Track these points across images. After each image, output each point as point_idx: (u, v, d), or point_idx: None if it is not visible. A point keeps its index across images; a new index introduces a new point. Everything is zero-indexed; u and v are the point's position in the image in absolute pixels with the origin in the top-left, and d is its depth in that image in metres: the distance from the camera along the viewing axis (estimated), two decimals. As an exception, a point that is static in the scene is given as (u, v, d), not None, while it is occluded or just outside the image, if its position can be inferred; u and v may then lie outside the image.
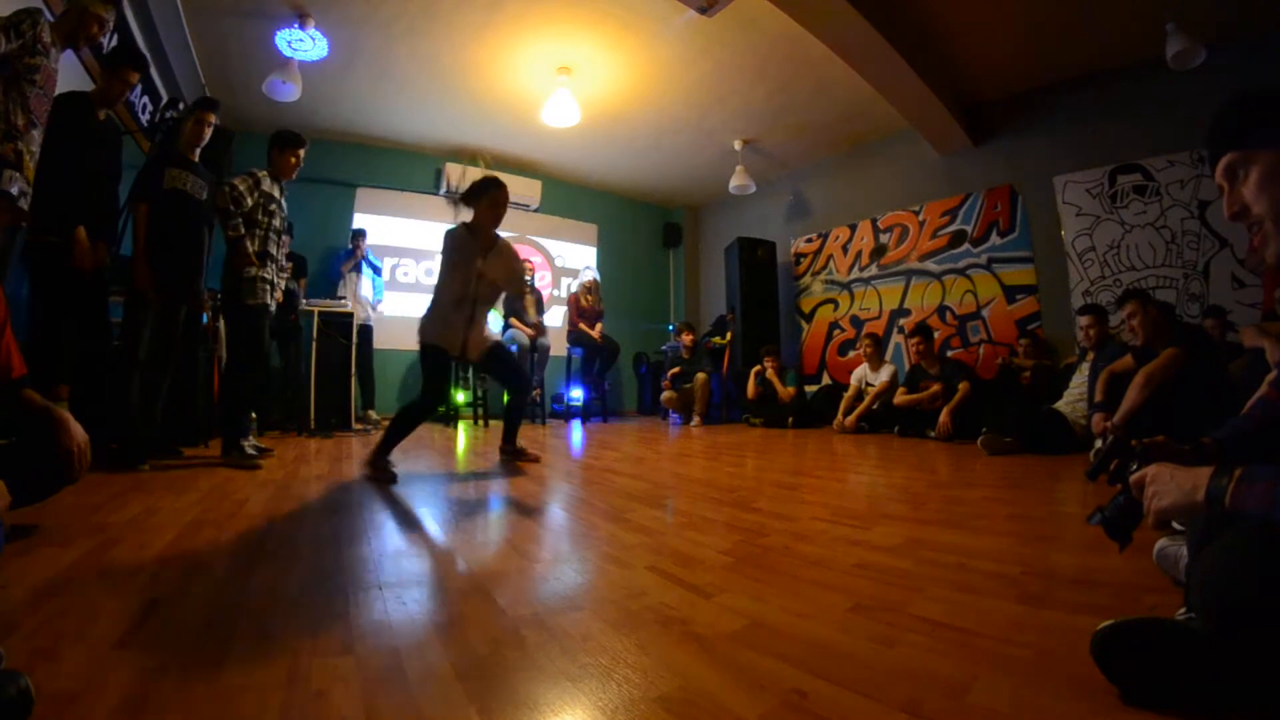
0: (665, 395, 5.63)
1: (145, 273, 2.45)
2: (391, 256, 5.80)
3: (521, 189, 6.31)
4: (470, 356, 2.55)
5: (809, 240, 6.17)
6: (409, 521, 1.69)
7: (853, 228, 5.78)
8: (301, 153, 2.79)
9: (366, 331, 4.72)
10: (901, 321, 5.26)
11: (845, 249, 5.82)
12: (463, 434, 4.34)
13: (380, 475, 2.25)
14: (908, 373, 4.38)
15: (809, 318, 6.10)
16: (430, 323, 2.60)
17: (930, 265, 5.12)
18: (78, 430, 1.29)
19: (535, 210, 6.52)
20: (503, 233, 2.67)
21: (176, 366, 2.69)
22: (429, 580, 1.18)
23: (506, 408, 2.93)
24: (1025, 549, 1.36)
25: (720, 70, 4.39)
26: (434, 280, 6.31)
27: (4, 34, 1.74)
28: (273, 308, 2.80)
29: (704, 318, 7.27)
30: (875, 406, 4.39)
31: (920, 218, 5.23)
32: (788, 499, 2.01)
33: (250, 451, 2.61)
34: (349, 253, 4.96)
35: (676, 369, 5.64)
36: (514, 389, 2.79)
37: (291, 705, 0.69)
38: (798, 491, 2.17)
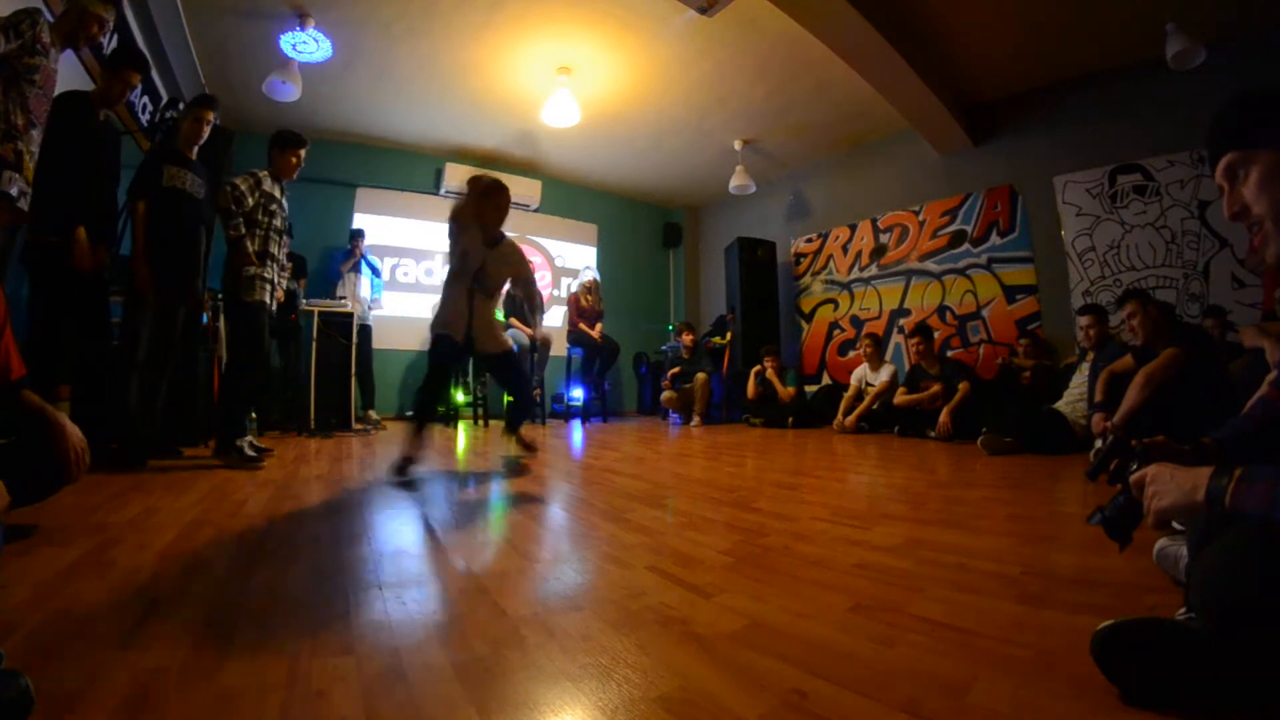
0: (665, 395, 5.63)
1: (145, 273, 2.44)
2: (391, 256, 5.80)
3: (521, 189, 6.31)
4: (478, 346, 2.52)
5: (809, 240, 6.17)
6: (409, 521, 1.69)
7: (853, 228, 5.78)
8: (302, 153, 2.79)
9: (365, 331, 4.72)
10: (901, 321, 5.26)
11: (845, 249, 5.82)
12: (463, 434, 4.34)
13: (401, 478, 2.26)
14: (908, 373, 4.38)
15: (809, 318, 6.10)
16: (437, 309, 2.60)
17: (930, 265, 5.12)
18: (74, 434, 1.29)
19: (535, 210, 6.52)
20: (503, 232, 2.67)
21: (176, 366, 2.68)
22: (429, 580, 1.18)
23: (507, 406, 2.93)
24: (1025, 549, 1.36)
25: (720, 70, 4.39)
26: (434, 280, 6.32)
27: (3, 34, 1.74)
28: (273, 307, 2.79)
29: (704, 318, 7.27)
30: (875, 406, 4.39)
31: (920, 218, 5.23)
32: (788, 499, 2.01)
33: (250, 453, 2.58)
34: (347, 253, 4.96)
35: (676, 369, 5.65)
36: (515, 396, 2.79)
37: (291, 705, 0.69)
38: (798, 491, 2.17)
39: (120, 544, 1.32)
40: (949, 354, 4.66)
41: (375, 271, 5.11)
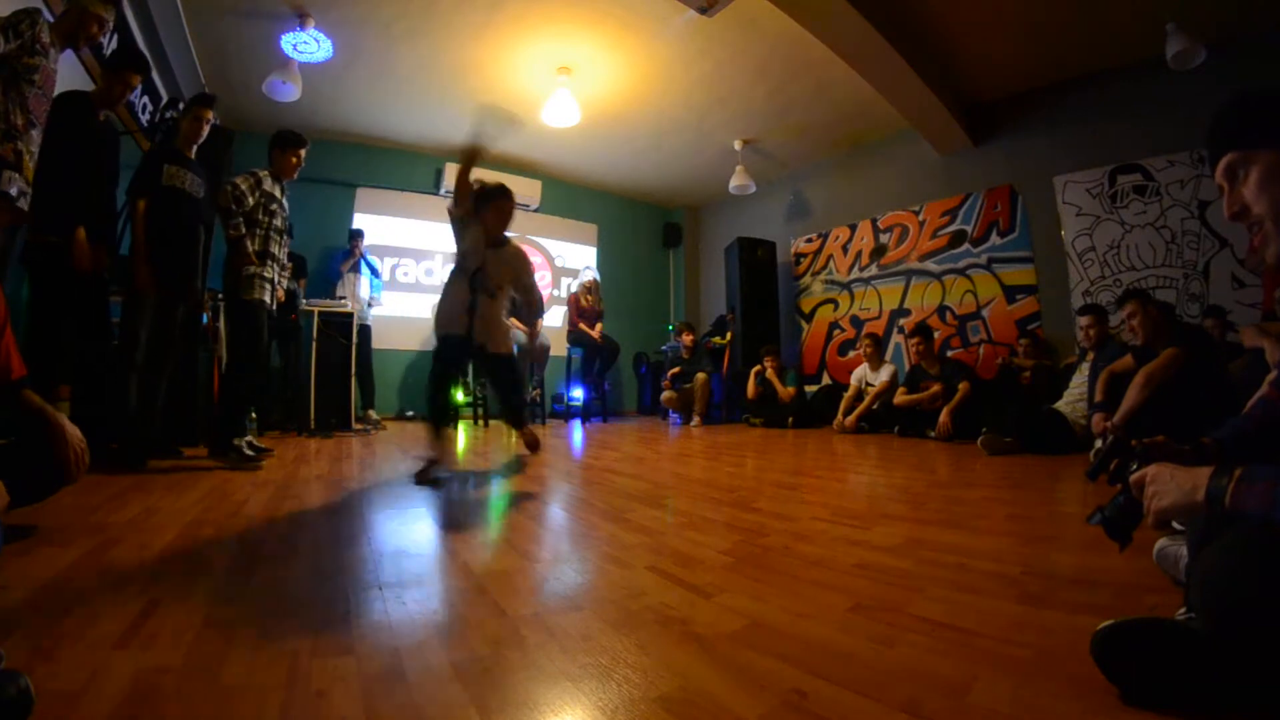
0: (665, 395, 5.63)
1: (145, 272, 2.43)
2: (391, 256, 5.80)
3: (521, 189, 6.30)
4: (479, 340, 2.51)
5: (809, 240, 6.17)
6: (409, 521, 1.69)
7: (853, 228, 5.78)
8: (303, 153, 2.79)
9: (365, 331, 4.72)
10: (901, 321, 5.26)
11: (845, 249, 5.82)
12: (463, 434, 4.34)
13: (425, 478, 2.27)
14: (908, 373, 4.38)
15: (809, 318, 6.10)
16: (437, 306, 2.60)
17: (930, 265, 5.12)
18: (74, 435, 1.29)
19: (535, 210, 6.52)
20: (507, 235, 2.67)
21: (175, 365, 2.68)
22: (429, 580, 1.18)
23: (502, 408, 2.93)
24: (1025, 549, 1.36)
25: (720, 70, 4.39)
26: (434, 280, 6.32)
27: (2, 34, 1.74)
28: (272, 307, 2.79)
29: (704, 318, 7.28)
30: (875, 406, 4.39)
31: (920, 218, 5.24)
32: (788, 499, 2.01)
33: (249, 453, 2.56)
34: (347, 253, 4.96)
35: (676, 369, 5.65)
36: (506, 401, 2.77)
37: (291, 705, 0.69)
38: (798, 491, 2.17)
39: (120, 544, 1.32)
40: (949, 354, 4.66)
41: (374, 272, 5.11)
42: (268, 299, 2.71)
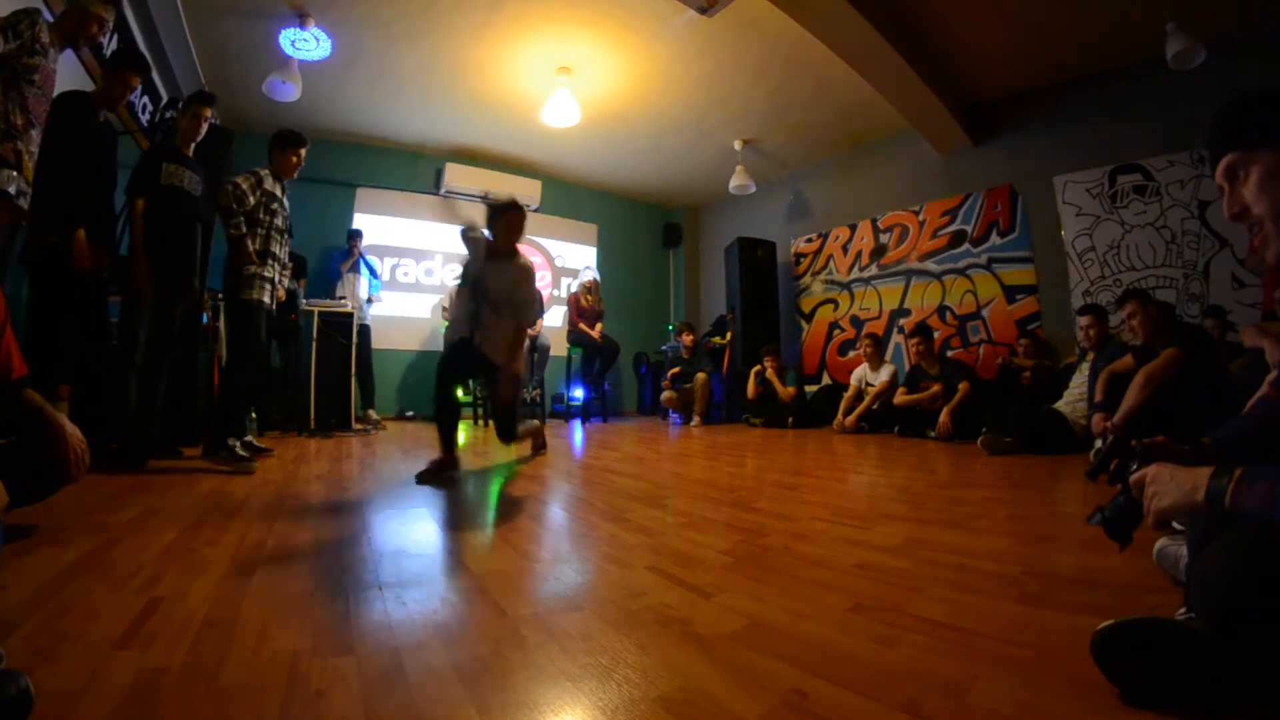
0: (665, 395, 5.63)
1: (144, 271, 2.43)
2: (391, 256, 5.80)
3: (522, 189, 6.31)
4: (484, 350, 2.53)
5: (809, 240, 6.17)
6: (409, 521, 1.69)
7: (853, 228, 5.78)
8: (303, 152, 2.78)
9: (365, 331, 4.72)
10: (901, 321, 5.26)
11: (845, 249, 5.82)
12: (462, 434, 4.33)
13: (428, 478, 2.27)
14: (908, 373, 4.38)
15: (809, 318, 6.10)
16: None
17: (930, 265, 5.12)
18: (74, 436, 1.29)
19: (535, 210, 6.51)
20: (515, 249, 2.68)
21: (173, 364, 2.67)
22: (429, 580, 1.18)
23: (494, 418, 2.91)
24: (1025, 549, 1.36)
25: (720, 70, 4.39)
26: (434, 280, 6.31)
27: (2, 34, 1.74)
28: (272, 307, 2.78)
29: (704, 318, 7.27)
30: (875, 406, 4.39)
31: (920, 218, 5.24)
32: (788, 499, 2.01)
33: (242, 453, 2.48)
34: (346, 253, 4.96)
35: (676, 369, 5.64)
36: (496, 418, 2.75)
37: (291, 705, 0.69)
38: (798, 491, 2.17)
39: (120, 544, 1.32)
40: (949, 354, 4.66)
41: (373, 272, 5.11)
42: (267, 299, 2.70)
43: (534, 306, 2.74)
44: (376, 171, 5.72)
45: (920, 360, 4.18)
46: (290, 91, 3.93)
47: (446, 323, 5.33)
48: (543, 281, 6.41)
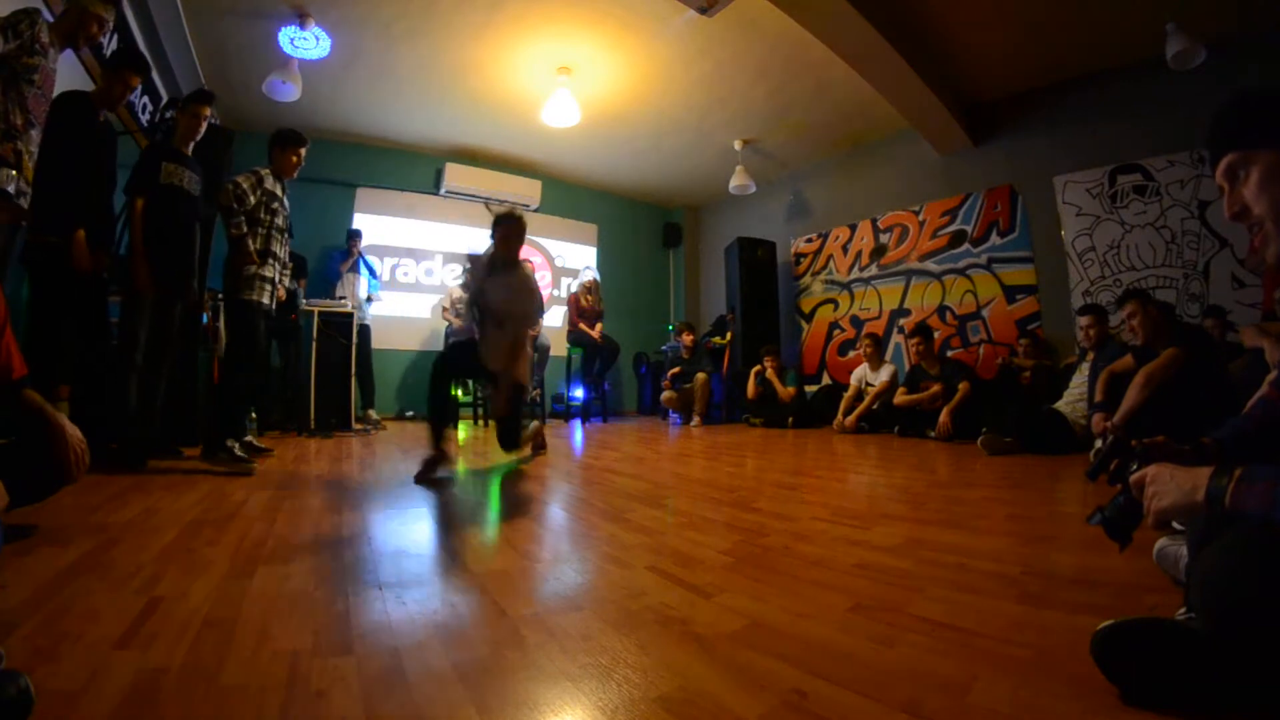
0: (665, 395, 5.63)
1: (144, 271, 2.43)
2: (391, 256, 5.80)
3: (521, 189, 6.31)
4: (486, 361, 2.54)
5: (809, 240, 6.17)
6: (409, 521, 1.69)
7: (853, 228, 5.78)
8: (303, 151, 2.78)
9: (365, 331, 4.72)
10: (901, 321, 5.26)
11: (845, 249, 5.82)
12: (463, 433, 4.34)
13: (424, 478, 2.26)
14: (908, 373, 4.38)
15: (809, 318, 6.10)
16: None
17: (930, 265, 5.12)
18: (74, 436, 1.29)
19: (535, 210, 6.52)
20: (516, 261, 2.69)
21: (173, 363, 2.67)
22: (429, 580, 1.18)
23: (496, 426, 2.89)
24: (1025, 549, 1.36)
25: (720, 70, 4.39)
26: (434, 280, 6.32)
27: (2, 34, 1.74)
28: (272, 307, 2.78)
29: (704, 318, 7.27)
30: (875, 406, 4.39)
31: (920, 218, 5.23)
32: (788, 499, 2.01)
33: (240, 454, 2.44)
34: (345, 253, 4.96)
35: (676, 369, 5.64)
36: (500, 425, 2.76)
37: (291, 705, 0.69)
38: (798, 491, 2.17)
39: (120, 544, 1.32)
40: (949, 354, 4.66)
41: (372, 272, 5.11)
42: (266, 299, 2.70)
43: (535, 316, 2.74)
44: (376, 171, 5.72)
45: (920, 360, 4.18)
46: (290, 91, 3.93)
47: (448, 323, 5.34)
48: (543, 281, 6.41)
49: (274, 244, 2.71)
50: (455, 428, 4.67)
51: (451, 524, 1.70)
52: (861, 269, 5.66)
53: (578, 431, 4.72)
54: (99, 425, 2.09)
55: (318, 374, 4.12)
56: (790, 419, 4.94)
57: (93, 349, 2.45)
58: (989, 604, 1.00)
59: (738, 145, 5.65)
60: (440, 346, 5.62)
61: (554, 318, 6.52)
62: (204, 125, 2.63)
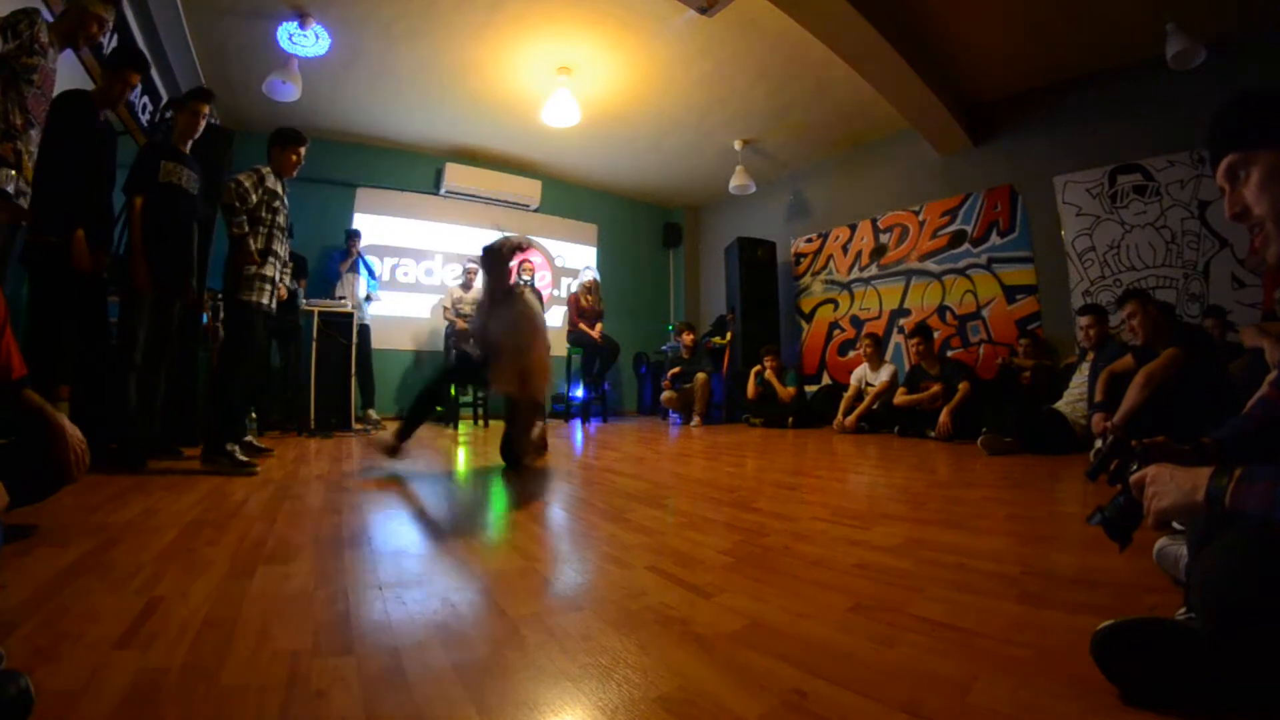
0: (665, 395, 5.63)
1: (143, 271, 2.42)
2: (391, 256, 5.80)
3: (521, 189, 6.31)
4: (496, 386, 2.56)
5: (809, 240, 6.17)
6: (409, 521, 1.69)
7: (853, 228, 5.78)
8: (303, 150, 2.78)
9: (365, 331, 4.72)
10: (901, 321, 5.26)
11: (845, 249, 5.82)
12: (462, 434, 4.34)
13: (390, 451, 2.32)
14: (908, 373, 4.38)
15: (809, 318, 6.10)
16: None
17: (930, 265, 5.12)
18: (74, 436, 1.29)
19: (535, 210, 6.53)
20: (516, 288, 2.69)
21: (172, 363, 2.67)
22: (429, 580, 1.18)
23: (504, 438, 2.88)
24: (1025, 549, 1.36)
25: (720, 70, 4.39)
26: (434, 280, 6.31)
27: (1, 34, 1.74)
28: (272, 306, 2.77)
29: (704, 318, 7.27)
30: (875, 406, 4.39)
31: (920, 218, 5.23)
32: (788, 499, 2.01)
33: (241, 458, 2.39)
34: (344, 253, 4.96)
35: (676, 369, 5.64)
36: (506, 438, 2.76)
37: (291, 705, 0.69)
38: (798, 491, 2.17)
39: (120, 544, 1.32)
40: (949, 354, 4.66)
41: (371, 272, 5.10)
42: (266, 300, 2.68)
43: (539, 348, 2.63)
44: (376, 171, 5.72)
45: (920, 360, 4.18)
46: (290, 91, 3.93)
47: (449, 323, 5.33)
48: (543, 281, 6.41)
49: (275, 243, 2.70)
50: (455, 426, 4.68)
51: (451, 524, 1.70)
52: (861, 269, 5.66)
53: (578, 431, 4.71)
54: (99, 425, 2.09)
55: (318, 374, 4.12)
56: (790, 419, 4.94)
57: (93, 349, 2.45)
58: (989, 604, 1.00)
59: (738, 145, 5.65)
60: (440, 346, 5.62)
61: (554, 318, 6.52)
62: (203, 123, 2.62)
